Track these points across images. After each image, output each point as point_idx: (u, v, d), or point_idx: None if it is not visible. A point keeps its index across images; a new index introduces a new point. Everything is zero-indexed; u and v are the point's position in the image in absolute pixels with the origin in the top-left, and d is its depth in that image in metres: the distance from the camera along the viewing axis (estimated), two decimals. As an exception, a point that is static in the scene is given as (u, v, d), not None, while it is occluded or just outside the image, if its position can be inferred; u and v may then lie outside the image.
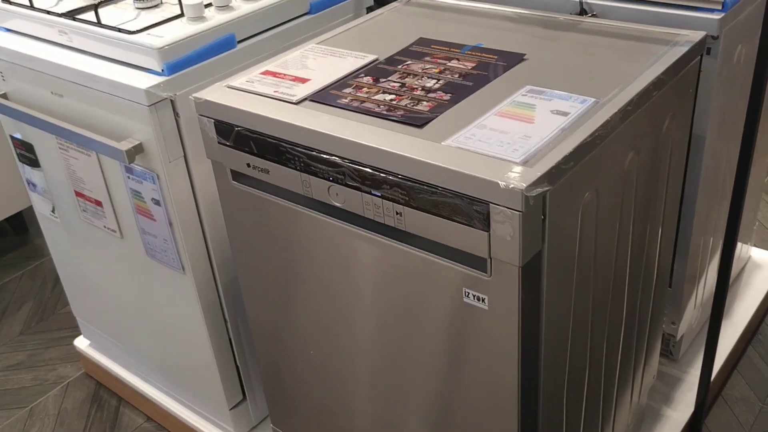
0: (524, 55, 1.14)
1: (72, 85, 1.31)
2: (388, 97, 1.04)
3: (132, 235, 1.43)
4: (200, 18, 1.27)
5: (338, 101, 1.05)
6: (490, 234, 0.87)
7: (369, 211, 0.98)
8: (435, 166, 0.88)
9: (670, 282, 1.47)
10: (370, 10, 1.51)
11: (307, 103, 1.06)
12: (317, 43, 1.25)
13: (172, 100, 1.22)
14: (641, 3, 1.24)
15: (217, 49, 1.27)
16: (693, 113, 1.27)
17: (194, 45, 1.24)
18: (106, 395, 1.90)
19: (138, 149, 1.25)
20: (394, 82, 1.08)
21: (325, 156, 0.99)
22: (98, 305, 1.74)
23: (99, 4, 1.32)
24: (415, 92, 1.05)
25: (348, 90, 1.07)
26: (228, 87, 1.13)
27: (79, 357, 1.97)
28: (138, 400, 1.82)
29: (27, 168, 1.61)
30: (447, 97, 1.03)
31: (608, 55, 1.13)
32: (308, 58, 1.19)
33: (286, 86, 1.10)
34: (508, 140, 0.91)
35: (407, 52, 1.18)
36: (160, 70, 1.21)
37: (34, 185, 1.64)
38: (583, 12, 1.29)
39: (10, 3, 1.41)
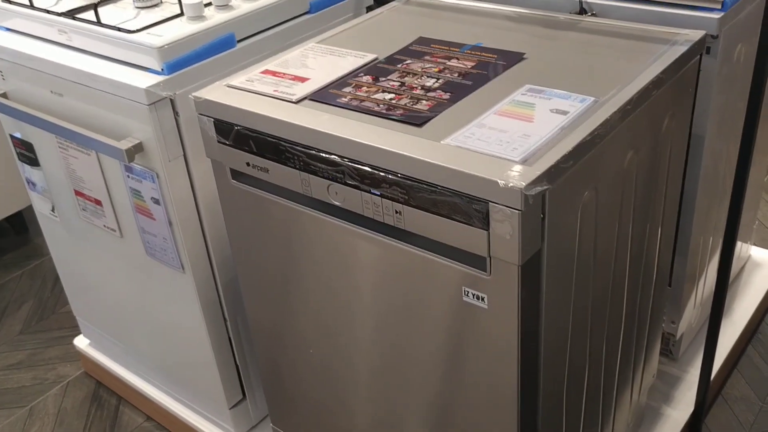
0: (524, 54, 1.14)
1: (72, 84, 1.31)
2: (388, 96, 1.04)
3: (132, 234, 1.44)
4: (200, 17, 1.27)
5: (338, 100, 1.05)
6: (489, 233, 0.87)
7: (368, 210, 0.98)
8: (434, 165, 0.88)
9: (669, 281, 1.48)
10: (369, 9, 1.51)
11: (306, 102, 1.06)
12: (317, 43, 1.25)
13: (171, 99, 1.22)
14: (641, 2, 1.24)
15: (217, 49, 1.27)
16: (692, 112, 1.28)
17: (194, 44, 1.24)
18: (105, 394, 1.90)
19: (138, 148, 1.25)
20: (394, 81, 1.08)
21: (324, 155, 0.99)
22: (98, 304, 1.74)
23: (99, 3, 1.32)
24: (414, 91, 1.05)
25: (347, 89, 1.07)
26: (228, 86, 1.13)
27: (79, 356, 1.97)
28: (138, 399, 1.82)
29: (27, 167, 1.61)
30: (446, 96, 1.03)
31: (608, 54, 1.13)
32: (308, 58, 1.19)
33: (285, 85, 1.10)
34: (508, 139, 0.91)
35: (407, 52, 1.18)
36: (159, 70, 1.21)
37: (33, 184, 1.64)
38: (582, 11, 1.29)
39: (10, 2, 1.41)
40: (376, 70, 1.12)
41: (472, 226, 0.88)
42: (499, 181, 0.84)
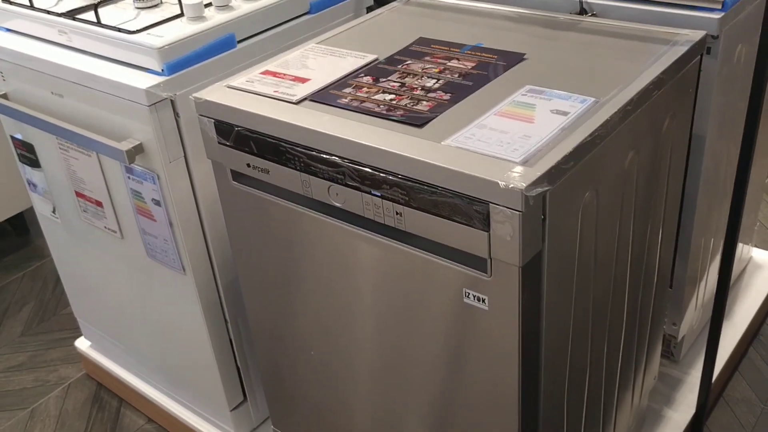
0: (524, 54, 1.14)
1: (72, 85, 1.31)
2: (388, 96, 1.04)
3: (132, 236, 1.43)
4: (200, 18, 1.27)
5: (338, 101, 1.05)
6: (490, 234, 0.87)
7: (369, 211, 0.98)
8: (435, 166, 0.88)
9: (670, 283, 1.47)
10: (370, 9, 1.51)
11: (307, 102, 1.06)
12: (317, 43, 1.25)
13: (172, 100, 1.22)
14: (641, 2, 1.24)
15: (217, 49, 1.27)
16: (693, 113, 1.27)
17: (194, 45, 1.24)
18: (107, 396, 1.90)
19: (138, 149, 1.25)
20: (394, 81, 1.08)
21: (325, 156, 0.99)
22: (99, 306, 1.74)
23: (99, 3, 1.32)
24: (414, 92, 1.05)
25: (348, 90, 1.07)
26: (228, 87, 1.13)
27: (80, 358, 1.97)
28: (139, 401, 1.82)
29: (27, 168, 1.61)
30: (447, 96, 1.03)
31: (608, 54, 1.12)
32: (308, 58, 1.19)
33: (286, 86, 1.10)
34: (508, 140, 0.91)
35: (407, 52, 1.18)
36: (160, 70, 1.21)
37: (34, 186, 1.64)
38: (583, 11, 1.29)
39: (10, 3, 1.41)
40: (376, 71, 1.12)
41: (473, 228, 0.88)
42: (499, 182, 0.83)
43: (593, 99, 0.99)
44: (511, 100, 1.00)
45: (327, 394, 1.27)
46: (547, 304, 0.95)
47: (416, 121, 0.97)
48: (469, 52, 1.16)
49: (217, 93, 1.11)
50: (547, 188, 0.85)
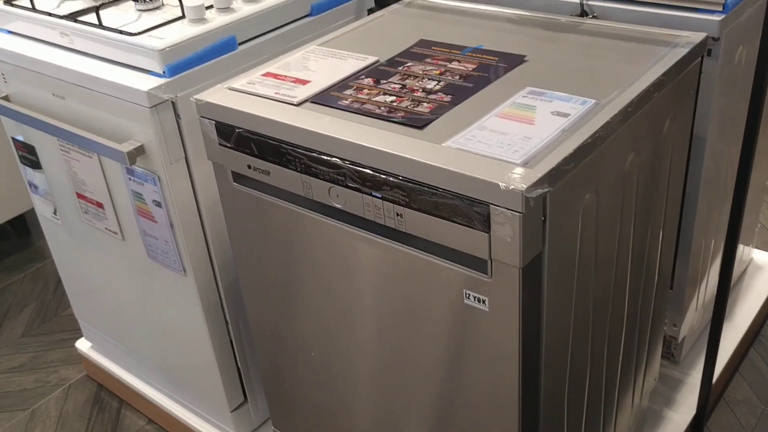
0: (525, 56, 1.14)
1: (73, 87, 1.31)
2: (389, 98, 1.04)
3: (133, 237, 1.44)
4: (201, 20, 1.28)
5: (339, 103, 1.05)
6: (490, 235, 0.87)
7: (369, 213, 0.98)
8: (435, 168, 0.88)
9: (671, 284, 1.47)
10: (371, 11, 1.51)
11: (307, 104, 1.06)
12: (318, 45, 1.25)
13: (173, 102, 1.22)
14: (642, 4, 1.24)
15: (218, 51, 1.27)
16: (694, 115, 1.27)
17: (195, 47, 1.24)
18: (107, 397, 1.90)
19: (139, 151, 1.25)
20: (395, 83, 1.08)
21: (325, 157, 0.99)
22: (100, 307, 1.74)
23: (100, 6, 1.32)
24: (415, 94, 1.05)
25: (349, 91, 1.08)
26: (229, 89, 1.13)
27: (81, 359, 1.97)
28: (139, 402, 1.82)
29: (29, 170, 1.61)
30: (447, 98, 1.03)
31: (609, 56, 1.13)
32: (309, 60, 1.19)
33: (287, 88, 1.10)
34: (509, 141, 0.91)
35: (408, 54, 1.18)
36: (161, 72, 1.21)
37: (35, 187, 1.64)
38: (583, 14, 1.29)
39: (12, 5, 1.42)
40: (377, 73, 1.12)
41: (473, 229, 0.88)
42: (500, 184, 0.84)
43: (594, 101, 0.99)
44: (511, 102, 1.01)
45: (327, 395, 1.27)
46: (548, 305, 0.96)
47: (417, 122, 0.97)
48: (469, 54, 1.16)
49: (218, 95, 1.11)
50: (547, 190, 0.85)
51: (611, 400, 1.29)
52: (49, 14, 1.35)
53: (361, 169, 0.96)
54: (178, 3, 1.30)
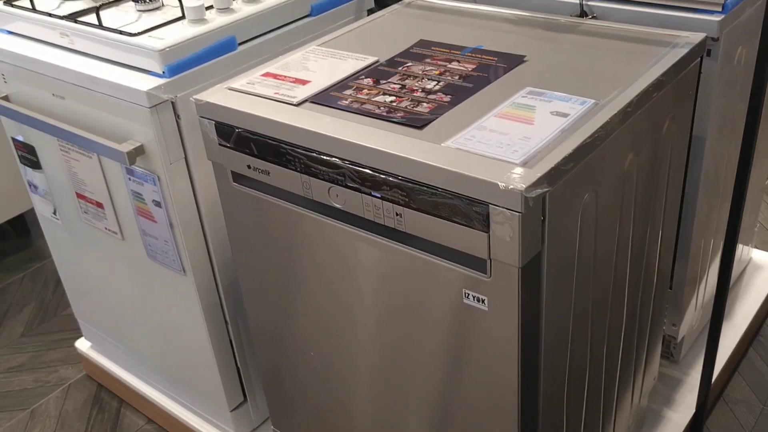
0: (524, 56, 1.14)
1: (73, 87, 1.31)
2: (389, 98, 1.04)
3: (133, 237, 1.44)
4: (201, 20, 1.28)
5: (339, 103, 1.05)
6: (489, 235, 0.87)
7: (369, 213, 0.98)
8: (435, 168, 0.89)
9: (670, 283, 1.47)
10: (370, 12, 1.51)
11: (307, 104, 1.06)
12: (318, 45, 1.25)
13: (173, 102, 1.22)
14: (641, 5, 1.24)
15: (218, 51, 1.27)
16: (693, 115, 1.28)
17: (195, 47, 1.24)
18: (107, 397, 1.90)
19: (139, 151, 1.25)
20: (395, 83, 1.08)
21: (325, 157, 0.99)
22: (99, 307, 1.74)
23: (100, 6, 1.32)
24: (415, 94, 1.05)
25: (348, 92, 1.08)
26: (229, 89, 1.13)
27: (81, 359, 1.97)
28: (139, 401, 1.82)
29: (28, 170, 1.61)
30: (447, 98, 1.03)
31: (608, 56, 1.13)
32: (309, 60, 1.19)
33: (286, 88, 1.11)
34: (508, 141, 0.91)
35: (407, 54, 1.18)
36: (161, 72, 1.21)
37: (35, 187, 1.64)
38: (583, 14, 1.29)
39: (12, 6, 1.42)
40: (376, 73, 1.12)
41: (473, 229, 0.88)
42: (499, 184, 0.84)
43: (593, 101, 0.99)
44: (511, 102, 1.01)
45: (327, 395, 1.27)
46: (547, 305, 0.96)
47: (416, 122, 0.98)
48: (469, 54, 1.16)
49: (217, 95, 1.12)
50: (546, 189, 0.85)
51: (610, 400, 1.29)
52: (49, 15, 1.35)
53: (360, 169, 0.96)
54: (178, 3, 1.31)
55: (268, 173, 1.08)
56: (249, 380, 1.56)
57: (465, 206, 0.88)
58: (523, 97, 1.02)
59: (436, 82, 1.08)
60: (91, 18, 1.31)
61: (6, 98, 1.49)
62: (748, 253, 1.93)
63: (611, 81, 1.04)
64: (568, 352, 1.06)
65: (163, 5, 1.37)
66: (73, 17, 1.33)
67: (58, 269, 1.80)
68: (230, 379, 1.53)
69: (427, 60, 1.15)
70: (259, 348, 1.35)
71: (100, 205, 1.46)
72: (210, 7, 1.32)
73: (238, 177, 1.14)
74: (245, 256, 1.23)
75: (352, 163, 0.96)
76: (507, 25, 1.28)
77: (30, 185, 1.65)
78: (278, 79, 1.14)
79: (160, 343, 1.62)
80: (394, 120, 0.99)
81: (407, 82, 1.09)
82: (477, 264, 0.91)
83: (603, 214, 1.02)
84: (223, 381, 1.51)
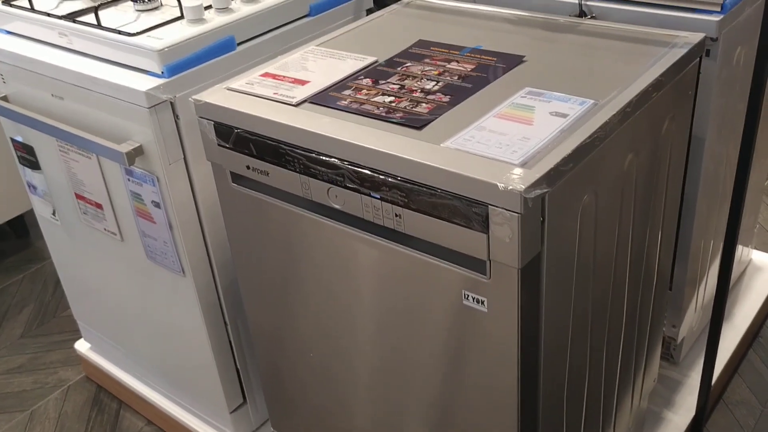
0: (523, 56, 1.14)
1: (72, 87, 1.31)
2: (388, 99, 1.04)
3: (132, 238, 1.44)
4: (200, 20, 1.28)
5: (337, 103, 1.05)
6: (489, 236, 0.87)
7: (368, 213, 0.98)
8: (434, 168, 0.88)
9: (670, 285, 1.47)
10: (369, 12, 1.51)
11: (306, 105, 1.06)
12: (317, 45, 1.25)
13: (171, 102, 1.22)
14: (640, 5, 1.24)
15: (217, 51, 1.27)
16: (692, 115, 1.27)
17: (194, 47, 1.24)
18: (106, 398, 1.90)
19: (138, 151, 1.25)
20: (394, 84, 1.08)
21: (324, 158, 0.99)
22: (99, 308, 1.74)
23: (99, 6, 1.32)
24: (414, 94, 1.05)
25: (347, 92, 1.07)
26: (228, 89, 1.13)
27: (80, 360, 1.97)
28: (138, 403, 1.82)
29: (27, 170, 1.61)
30: (446, 98, 1.03)
31: (607, 56, 1.13)
32: (308, 60, 1.19)
33: (285, 88, 1.10)
34: (507, 142, 0.91)
35: (406, 54, 1.18)
36: (159, 72, 1.21)
37: (34, 188, 1.64)
38: (582, 14, 1.29)
39: (11, 5, 1.42)
40: (375, 73, 1.12)
41: (472, 230, 0.88)
42: (498, 184, 0.83)
43: (592, 101, 0.99)
44: (510, 102, 1.01)
45: (327, 396, 1.27)
46: (546, 306, 0.95)
47: (415, 123, 0.97)
48: (468, 54, 1.16)
49: (216, 95, 1.11)
50: (546, 190, 0.85)
51: (610, 401, 1.29)
52: (48, 14, 1.35)
53: (359, 169, 0.96)
54: (176, 3, 1.30)
55: (267, 174, 1.08)
56: (248, 381, 1.56)
57: (464, 207, 0.87)
58: (522, 97, 1.02)
59: (435, 83, 1.07)
60: (90, 18, 1.31)
61: (5, 98, 1.49)
62: (747, 254, 1.93)
63: (610, 81, 1.04)
64: (568, 353, 1.06)
65: (161, 5, 1.36)
66: (71, 17, 1.33)
67: (57, 270, 1.80)
68: (230, 381, 1.53)
69: (426, 60, 1.15)
70: (258, 349, 1.35)
71: (99, 205, 1.46)
72: (209, 7, 1.32)
73: (237, 177, 1.14)
74: (244, 256, 1.23)
75: (351, 163, 0.96)
76: (506, 25, 1.28)
77: (29, 186, 1.65)
78: (277, 79, 1.14)
79: (159, 345, 1.61)
80: (393, 120, 0.99)
81: (406, 82, 1.08)
82: (476, 265, 0.91)
83: (602, 215, 1.02)
84: (223, 382, 1.51)
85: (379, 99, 1.04)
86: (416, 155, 0.90)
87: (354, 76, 1.12)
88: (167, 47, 1.20)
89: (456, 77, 1.09)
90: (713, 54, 1.23)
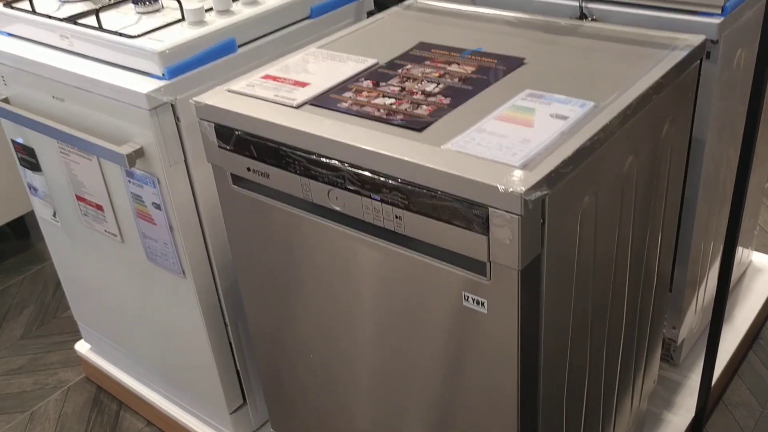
0: (524, 59, 1.14)
1: (73, 89, 1.31)
2: (388, 101, 1.04)
3: (133, 239, 1.44)
4: (201, 22, 1.28)
5: (338, 105, 1.05)
6: (489, 238, 0.87)
7: (369, 215, 0.98)
8: (434, 170, 0.89)
9: (670, 286, 1.47)
10: (370, 14, 1.51)
11: (307, 107, 1.06)
12: (318, 48, 1.25)
13: (172, 104, 1.22)
14: (641, 7, 1.24)
15: (218, 54, 1.27)
16: (693, 117, 1.28)
17: (195, 49, 1.24)
18: (106, 399, 1.90)
19: (139, 153, 1.25)
20: (394, 86, 1.08)
21: (325, 160, 0.99)
22: (99, 309, 1.74)
23: (100, 8, 1.32)
24: (414, 96, 1.05)
25: (348, 94, 1.08)
26: (228, 91, 1.13)
27: (80, 361, 1.97)
28: (138, 404, 1.82)
29: (28, 172, 1.61)
30: (447, 101, 1.03)
31: (608, 59, 1.13)
32: (309, 62, 1.19)
33: (286, 90, 1.11)
34: (508, 144, 0.91)
35: (407, 57, 1.18)
36: (160, 74, 1.21)
37: (35, 189, 1.64)
38: (582, 16, 1.29)
39: (12, 8, 1.42)
40: (376, 75, 1.12)
41: (472, 231, 0.88)
42: (498, 186, 0.84)
43: (593, 103, 0.99)
44: (510, 105, 1.01)
45: (327, 397, 1.27)
46: (546, 308, 0.96)
47: (416, 125, 0.98)
48: (469, 56, 1.16)
49: (217, 97, 1.12)
50: (546, 192, 0.85)
51: (610, 403, 1.29)
52: (49, 17, 1.35)
53: (360, 171, 0.96)
54: (177, 6, 1.31)
55: (268, 176, 1.08)
56: (248, 383, 1.56)
57: (464, 209, 0.88)
58: (522, 99, 1.02)
59: (435, 85, 1.08)
60: (91, 20, 1.31)
61: (6, 100, 1.49)
62: (747, 256, 1.93)
63: (611, 83, 1.04)
64: (568, 354, 1.06)
65: (162, 7, 1.37)
66: (72, 19, 1.33)
67: (57, 271, 1.80)
68: (230, 382, 1.53)
69: (427, 62, 1.15)
70: (258, 350, 1.35)
71: (99, 207, 1.46)
72: (210, 10, 1.32)
73: (237, 179, 1.14)
74: (245, 258, 1.23)
75: (352, 165, 0.96)
76: (506, 27, 1.28)
77: (30, 187, 1.65)
78: (278, 81, 1.14)
79: (159, 346, 1.62)
80: (394, 122, 0.99)
81: (407, 84, 1.09)
82: (476, 267, 0.91)
83: (602, 217, 1.02)
84: (223, 383, 1.51)
85: (379, 101, 1.05)
86: (417, 157, 0.90)
87: (355, 78, 1.12)
88: (168, 49, 1.21)
89: (456, 79, 1.09)
90: (714, 56, 1.23)
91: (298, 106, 1.06)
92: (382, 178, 0.94)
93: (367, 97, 1.06)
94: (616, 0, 1.27)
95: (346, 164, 0.97)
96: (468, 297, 0.94)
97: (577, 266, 1.00)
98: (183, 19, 1.29)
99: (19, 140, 1.56)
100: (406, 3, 1.42)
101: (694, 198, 1.38)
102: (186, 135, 1.25)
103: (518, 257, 0.86)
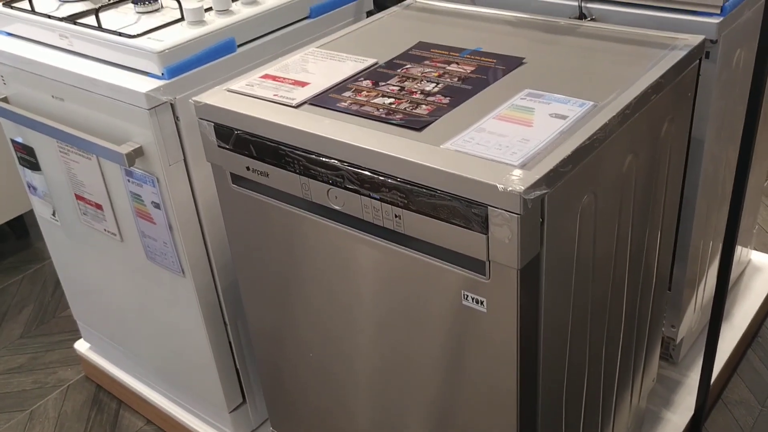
0: (523, 58, 1.14)
1: (72, 88, 1.31)
2: (388, 100, 1.04)
3: (132, 239, 1.44)
4: (200, 22, 1.28)
5: (338, 105, 1.05)
6: (488, 237, 0.87)
7: (368, 214, 0.98)
8: (434, 169, 0.89)
9: (669, 285, 1.48)
10: (370, 14, 1.51)
11: (306, 106, 1.06)
12: (317, 47, 1.25)
13: (172, 104, 1.22)
14: (640, 7, 1.25)
15: (217, 53, 1.27)
16: (692, 117, 1.28)
17: (194, 49, 1.24)
18: (106, 398, 1.90)
19: (138, 152, 1.25)
20: (394, 85, 1.09)
21: (324, 159, 0.99)
22: (98, 308, 1.74)
23: (100, 8, 1.32)
24: (414, 96, 1.05)
25: (347, 93, 1.08)
26: (228, 90, 1.13)
27: (80, 360, 1.97)
28: (138, 403, 1.82)
29: (28, 171, 1.61)
30: (446, 100, 1.03)
31: (607, 58, 1.13)
32: (308, 62, 1.20)
33: (285, 90, 1.11)
34: (507, 143, 0.91)
35: (407, 56, 1.18)
36: (160, 74, 1.21)
37: (34, 188, 1.64)
38: (582, 16, 1.29)
39: (12, 7, 1.42)
40: (376, 75, 1.13)
41: (472, 230, 0.88)
42: (498, 186, 0.84)
43: (592, 103, 0.99)
44: (510, 104, 1.01)
45: (326, 396, 1.27)
46: (546, 307, 0.96)
47: (415, 124, 0.98)
48: (468, 56, 1.16)
49: (216, 96, 1.12)
50: (545, 191, 0.85)
51: (609, 401, 1.29)
52: (49, 16, 1.35)
53: (359, 170, 0.96)
54: (177, 5, 1.31)
55: (267, 175, 1.08)
56: (248, 381, 1.56)
57: (464, 208, 0.88)
58: (521, 99, 1.02)
59: (435, 84, 1.08)
60: (91, 20, 1.31)
61: (5, 100, 1.49)
62: (747, 254, 1.93)
63: (610, 83, 1.04)
64: (567, 353, 1.06)
65: (162, 7, 1.37)
66: (72, 19, 1.33)
67: (57, 271, 1.80)
68: (229, 381, 1.53)
69: (426, 62, 1.15)
70: (258, 349, 1.35)
71: (99, 206, 1.46)
72: (209, 9, 1.32)
73: (237, 179, 1.14)
74: (244, 257, 1.24)
75: (351, 164, 0.97)
76: (506, 27, 1.28)
77: (29, 187, 1.66)
78: (277, 80, 1.14)
79: (159, 345, 1.62)
80: (393, 122, 0.99)
81: (406, 84, 1.09)
82: (476, 266, 0.91)
83: (602, 216, 1.02)
84: (222, 382, 1.52)
85: (379, 100, 1.05)
86: (416, 156, 0.90)
87: (354, 77, 1.13)
88: (167, 49, 1.21)
89: (456, 79, 1.09)
90: (713, 56, 1.23)
91: (298, 106, 1.06)
92: (381, 178, 0.94)
93: (366, 96, 1.06)
94: (615, 0, 1.27)
95: (345, 163, 0.97)
96: (467, 296, 0.94)
97: (576, 265, 1.00)
98: (182, 18, 1.29)
99: (19, 139, 1.56)
100: (405, 3, 1.42)
101: (693, 197, 1.38)
102: (185, 134, 1.25)
103: (517, 256, 0.87)
